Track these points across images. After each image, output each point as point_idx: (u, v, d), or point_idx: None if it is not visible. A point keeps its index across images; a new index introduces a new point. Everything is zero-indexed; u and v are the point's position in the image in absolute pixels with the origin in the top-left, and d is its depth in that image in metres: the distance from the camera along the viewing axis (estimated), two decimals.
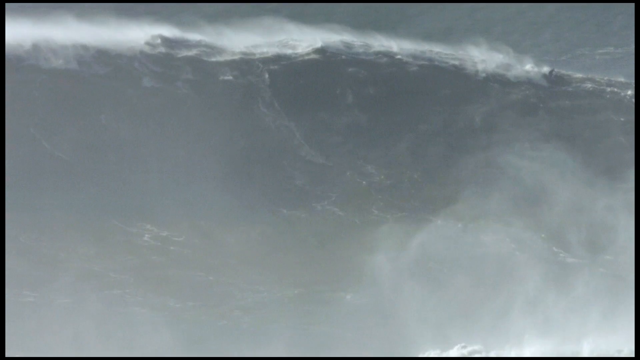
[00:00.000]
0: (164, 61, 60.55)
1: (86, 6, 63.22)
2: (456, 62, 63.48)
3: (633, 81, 63.79)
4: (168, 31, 61.15)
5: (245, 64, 61.50)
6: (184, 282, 50.65)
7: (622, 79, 64.33)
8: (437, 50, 63.38)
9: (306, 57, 62.31)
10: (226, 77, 60.68)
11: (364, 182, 58.85)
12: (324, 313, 49.43)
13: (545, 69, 63.54)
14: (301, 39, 62.53)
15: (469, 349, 46.82)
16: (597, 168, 60.03)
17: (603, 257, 54.52)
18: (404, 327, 48.00)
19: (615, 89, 63.99)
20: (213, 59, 61.15)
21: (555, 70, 63.72)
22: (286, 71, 61.78)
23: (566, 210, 56.53)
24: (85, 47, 59.05)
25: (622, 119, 63.32)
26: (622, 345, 46.45)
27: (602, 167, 60.40)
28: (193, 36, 61.40)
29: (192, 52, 60.96)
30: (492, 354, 46.61)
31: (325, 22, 63.56)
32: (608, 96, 64.01)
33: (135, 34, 60.46)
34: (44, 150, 56.76)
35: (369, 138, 60.72)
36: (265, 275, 51.80)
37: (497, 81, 63.59)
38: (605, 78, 64.62)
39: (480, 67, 63.74)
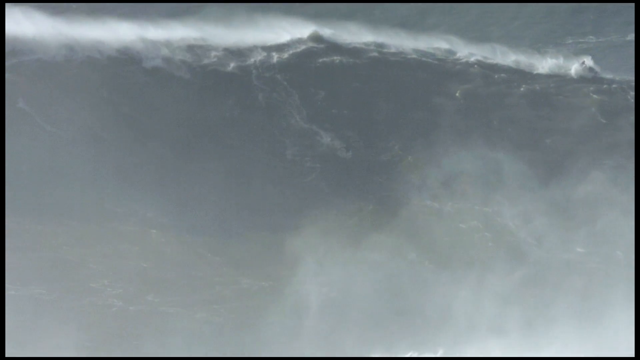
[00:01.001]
0: (163, 47, 58.84)
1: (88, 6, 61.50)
2: (439, 53, 61.83)
3: (614, 73, 62.23)
4: (166, 29, 59.60)
5: (242, 49, 60.07)
6: (164, 276, 48.78)
7: (607, 74, 62.54)
8: (418, 44, 61.54)
9: (299, 44, 60.89)
10: (221, 57, 59.49)
11: (349, 154, 57.08)
12: (296, 306, 47.49)
13: (536, 57, 62.34)
14: (290, 28, 60.98)
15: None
16: (577, 146, 58.21)
17: (577, 249, 52.29)
18: (370, 322, 46.50)
19: (597, 75, 62.09)
20: (210, 43, 59.68)
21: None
22: (279, 53, 60.17)
23: (545, 196, 54.54)
24: (89, 40, 57.74)
25: (605, 99, 61.28)
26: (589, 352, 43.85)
27: (582, 146, 58.38)
28: (191, 32, 59.83)
29: (192, 42, 59.47)
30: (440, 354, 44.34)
31: (306, 13, 61.72)
32: (588, 80, 62.07)
33: (135, 31, 59.02)
34: (38, 126, 54.60)
35: (356, 111, 58.96)
36: (240, 268, 49.99)
37: (481, 66, 61.67)
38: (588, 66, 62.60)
39: (462, 55, 61.82)
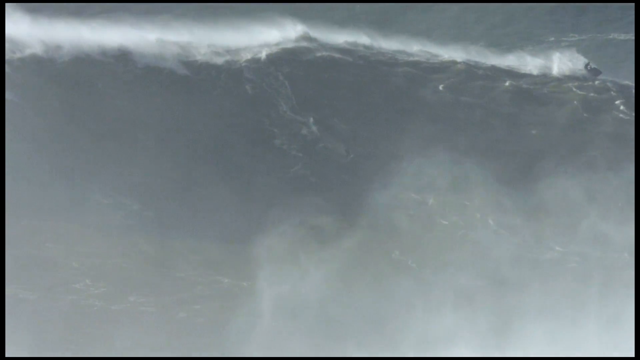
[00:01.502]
0: (156, 43, 58.48)
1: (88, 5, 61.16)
2: (422, 51, 61.43)
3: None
4: (160, 26, 59.41)
5: (232, 46, 59.91)
6: (145, 275, 48.07)
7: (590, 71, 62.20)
8: (402, 44, 61.16)
9: (288, 42, 60.66)
10: (211, 53, 59.24)
11: (337, 144, 56.69)
12: (267, 307, 46.88)
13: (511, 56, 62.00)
14: (277, 27, 60.66)
15: None
16: (561, 141, 57.73)
17: (556, 248, 51.64)
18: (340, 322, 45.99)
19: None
20: (200, 41, 59.52)
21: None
22: (269, 49, 59.99)
23: (525, 192, 53.97)
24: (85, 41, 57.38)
25: (588, 95, 60.79)
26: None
27: (566, 140, 57.96)
28: (181, 31, 59.70)
29: (182, 39, 59.23)
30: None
31: (288, 10, 61.35)
32: (571, 77, 61.62)
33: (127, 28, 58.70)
34: (25, 118, 53.87)
35: (344, 103, 58.69)
36: (221, 268, 49.36)
37: (465, 62, 61.26)
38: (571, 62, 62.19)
39: (445, 52, 61.43)
